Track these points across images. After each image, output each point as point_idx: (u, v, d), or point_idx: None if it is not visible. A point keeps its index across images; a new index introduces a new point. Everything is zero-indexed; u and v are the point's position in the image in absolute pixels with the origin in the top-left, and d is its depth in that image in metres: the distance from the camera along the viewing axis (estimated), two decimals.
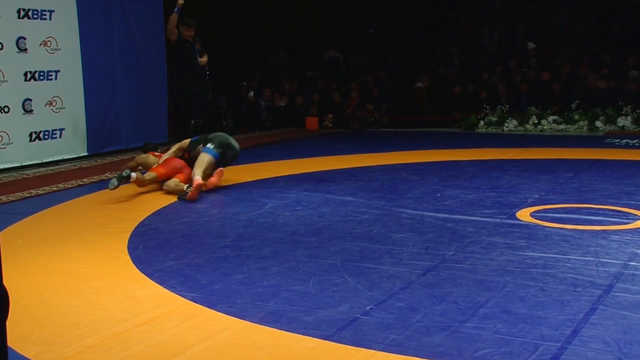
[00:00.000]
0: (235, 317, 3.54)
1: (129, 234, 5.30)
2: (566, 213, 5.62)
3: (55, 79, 9.08)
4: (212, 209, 6.22)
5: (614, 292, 3.75)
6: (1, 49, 8.37)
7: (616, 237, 4.87)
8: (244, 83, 15.23)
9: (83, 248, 4.97)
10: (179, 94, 9.97)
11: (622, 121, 11.43)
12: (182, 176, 6.94)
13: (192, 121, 10.46)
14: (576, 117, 11.76)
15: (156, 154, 7.65)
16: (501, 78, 13.63)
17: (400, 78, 14.68)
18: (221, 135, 7.28)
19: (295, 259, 4.54)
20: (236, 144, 7.25)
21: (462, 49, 15.71)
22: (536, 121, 11.90)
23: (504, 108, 12.32)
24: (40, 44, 8.85)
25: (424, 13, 17.49)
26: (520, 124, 12.01)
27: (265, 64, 16.93)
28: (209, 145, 7.02)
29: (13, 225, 5.72)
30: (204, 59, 10.02)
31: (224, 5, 16.67)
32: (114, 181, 6.46)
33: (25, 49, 8.66)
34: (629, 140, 10.06)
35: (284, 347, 3.19)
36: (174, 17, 9.30)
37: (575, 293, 3.75)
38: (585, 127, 11.64)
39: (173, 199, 6.59)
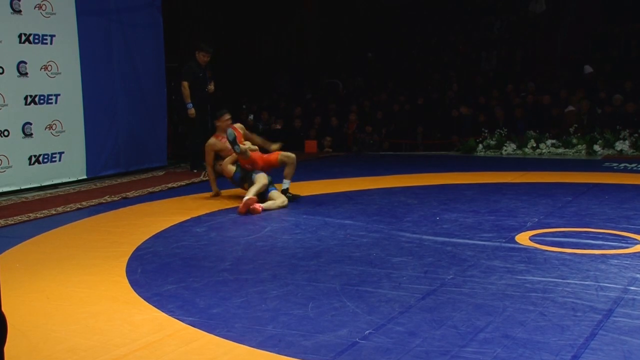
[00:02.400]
0: (234, 341, 3.52)
1: (127, 258, 5.29)
2: (565, 237, 5.62)
3: (55, 102, 9.12)
4: (211, 232, 6.21)
5: (614, 317, 3.73)
6: (2, 73, 8.41)
7: (615, 261, 4.86)
8: (244, 107, 15.29)
9: (81, 272, 4.95)
10: (184, 118, 10.08)
11: (620, 145, 11.47)
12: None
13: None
14: (574, 141, 11.81)
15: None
16: (499, 102, 13.69)
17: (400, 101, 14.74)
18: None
19: (294, 283, 4.52)
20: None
21: (460, 72, 15.80)
22: (534, 145, 11.94)
23: (502, 132, 12.37)
24: (41, 68, 8.90)
25: (423, 37, 17.61)
26: (519, 147, 12.06)
27: (268, 88, 17.01)
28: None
29: (11, 249, 5.71)
30: (211, 87, 10.15)
31: (224, 29, 16.79)
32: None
33: (26, 73, 8.71)
34: (627, 164, 10.08)
35: None
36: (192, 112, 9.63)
37: (575, 318, 3.74)
38: (583, 151, 11.68)
39: (171, 222, 6.58)
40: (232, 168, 7.61)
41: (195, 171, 10.10)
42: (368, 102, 14.83)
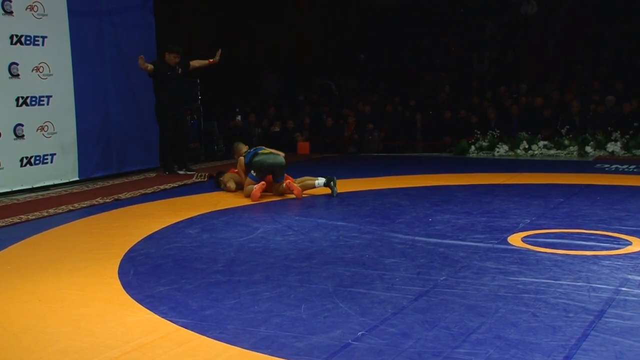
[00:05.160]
0: (227, 343, 3.52)
1: (119, 260, 5.27)
2: (557, 238, 5.64)
3: (47, 104, 9.08)
4: (203, 234, 6.20)
5: (606, 317, 3.75)
6: None
7: (607, 262, 4.88)
8: (237, 109, 15.28)
9: (73, 274, 4.93)
10: (159, 119, 10.05)
11: (611, 146, 11.52)
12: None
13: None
14: (566, 142, 11.85)
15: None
16: (491, 103, 13.73)
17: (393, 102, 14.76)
18: (258, 160, 7.93)
19: (286, 284, 4.52)
20: (271, 158, 8.01)
21: (452, 74, 15.83)
22: (527, 146, 11.98)
23: (494, 133, 12.40)
24: (33, 70, 8.87)
25: (415, 39, 17.66)
26: (511, 149, 12.08)
27: (258, 89, 16.99)
28: (252, 172, 7.91)
29: (3, 251, 5.68)
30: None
31: (216, 30, 16.77)
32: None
33: (18, 75, 8.68)
34: (618, 166, 10.12)
35: None
36: (150, 68, 9.62)
37: (567, 319, 3.75)
38: (575, 153, 11.72)
39: (163, 223, 6.57)
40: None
41: (167, 173, 10.06)
42: (363, 105, 14.81)
